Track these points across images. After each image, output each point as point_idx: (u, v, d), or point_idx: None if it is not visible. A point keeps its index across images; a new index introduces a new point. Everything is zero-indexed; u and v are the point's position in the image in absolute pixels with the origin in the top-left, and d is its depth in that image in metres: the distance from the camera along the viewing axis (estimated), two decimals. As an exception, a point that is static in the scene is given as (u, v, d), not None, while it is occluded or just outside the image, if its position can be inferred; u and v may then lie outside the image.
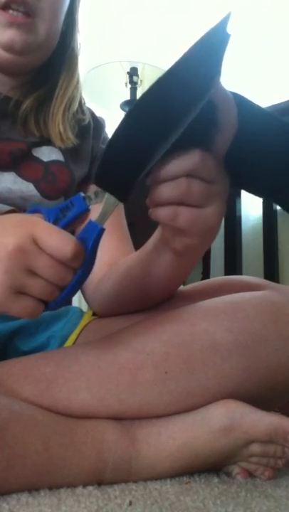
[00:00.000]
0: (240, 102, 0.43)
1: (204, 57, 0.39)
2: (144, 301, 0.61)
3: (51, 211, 0.46)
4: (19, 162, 0.68)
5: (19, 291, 0.42)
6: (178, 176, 0.43)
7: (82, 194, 0.46)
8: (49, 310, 0.45)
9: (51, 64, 0.74)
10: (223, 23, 0.38)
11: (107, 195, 0.45)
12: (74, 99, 0.75)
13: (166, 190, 0.44)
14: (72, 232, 0.45)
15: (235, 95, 0.42)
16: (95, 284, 0.67)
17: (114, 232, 0.70)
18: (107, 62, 1.59)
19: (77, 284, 0.44)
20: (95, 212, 0.46)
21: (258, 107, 0.44)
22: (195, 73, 0.39)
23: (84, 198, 0.46)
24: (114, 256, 0.68)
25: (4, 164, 0.67)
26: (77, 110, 0.75)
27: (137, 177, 0.43)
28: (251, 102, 0.44)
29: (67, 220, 0.46)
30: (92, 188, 0.54)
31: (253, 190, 0.50)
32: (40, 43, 0.68)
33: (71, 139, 0.72)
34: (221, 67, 0.40)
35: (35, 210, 0.48)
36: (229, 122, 0.43)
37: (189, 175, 0.43)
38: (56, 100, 0.73)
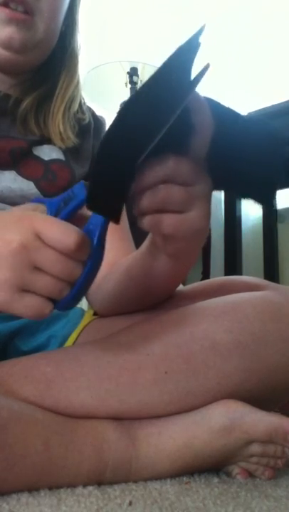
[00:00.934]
0: (215, 105, 0.42)
1: (177, 66, 0.39)
2: (144, 301, 0.61)
3: (53, 202, 0.46)
4: (19, 160, 0.68)
5: (25, 290, 0.41)
6: (155, 183, 0.43)
7: (83, 182, 0.45)
8: (59, 309, 0.43)
9: (51, 63, 0.74)
10: (197, 34, 0.38)
11: None
12: (74, 99, 0.75)
13: (146, 199, 0.44)
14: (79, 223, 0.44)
15: (209, 100, 0.42)
16: (97, 284, 0.67)
17: (115, 232, 0.70)
18: (107, 62, 1.59)
19: (87, 279, 0.43)
20: None
21: (232, 110, 0.45)
22: (169, 82, 0.39)
23: (85, 186, 0.45)
24: (115, 256, 0.68)
25: (4, 163, 0.67)
26: (77, 110, 0.75)
27: (126, 192, 0.43)
28: (224, 106, 0.44)
29: (69, 209, 0.45)
30: None
31: (237, 191, 0.50)
32: (39, 42, 0.68)
33: (71, 139, 0.72)
34: (190, 73, 0.40)
35: (37, 202, 0.48)
36: (204, 123, 0.42)
37: (166, 181, 0.43)
38: (56, 100, 0.72)
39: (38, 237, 0.40)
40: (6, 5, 0.63)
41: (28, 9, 0.64)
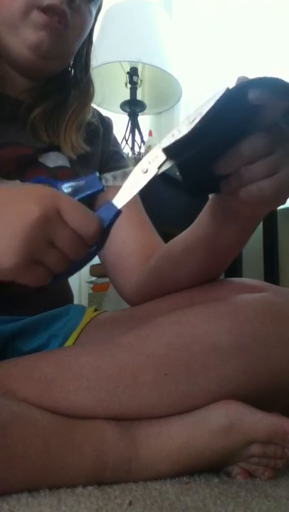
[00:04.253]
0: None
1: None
2: (204, 273, 0.63)
3: (59, 187, 0.47)
4: (24, 168, 0.68)
5: (34, 260, 0.42)
6: (243, 163, 0.45)
7: (97, 174, 0.47)
8: (54, 282, 0.46)
9: (66, 75, 0.76)
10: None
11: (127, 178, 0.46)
12: (87, 113, 0.76)
13: (257, 169, 0.45)
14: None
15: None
16: (134, 271, 0.68)
17: (136, 221, 0.73)
18: (107, 62, 1.59)
19: (86, 260, 0.46)
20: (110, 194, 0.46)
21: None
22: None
23: (100, 178, 0.46)
24: (145, 245, 0.71)
25: (10, 172, 0.66)
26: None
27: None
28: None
29: (80, 197, 0.46)
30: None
31: None
32: (63, 53, 0.70)
33: (82, 146, 0.73)
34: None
35: (43, 181, 0.48)
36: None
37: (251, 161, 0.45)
38: (72, 115, 0.73)
39: (60, 214, 0.42)
40: (45, 12, 0.64)
41: (64, 22, 0.66)
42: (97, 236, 0.43)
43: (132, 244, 0.71)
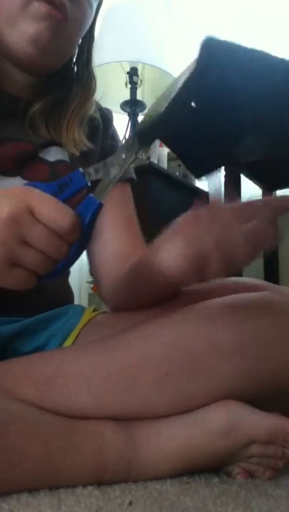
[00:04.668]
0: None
1: None
2: (154, 297, 0.62)
3: (49, 186, 0.45)
4: (24, 164, 0.68)
5: (13, 263, 0.41)
6: None
7: (81, 169, 0.45)
8: (41, 283, 0.44)
9: (65, 71, 0.75)
10: None
11: (107, 169, 0.45)
12: (89, 109, 0.75)
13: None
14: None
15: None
16: (109, 276, 0.68)
17: (121, 223, 0.71)
18: (107, 62, 1.59)
19: (72, 258, 0.44)
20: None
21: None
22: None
23: (83, 174, 0.45)
24: (122, 246, 0.69)
25: (10, 169, 0.66)
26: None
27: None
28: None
29: (66, 195, 0.45)
30: None
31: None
32: (62, 46, 0.69)
33: (84, 143, 0.72)
34: None
35: (32, 186, 0.48)
36: None
37: None
38: (73, 111, 0.72)
39: (31, 212, 0.40)
40: (45, 2, 0.63)
41: (64, 13, 0.64)
42: (74, 231, 0.41)
43: (112, 246, 0.70)
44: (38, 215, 0.40)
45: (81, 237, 0.43)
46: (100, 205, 0.44)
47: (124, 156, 0.43)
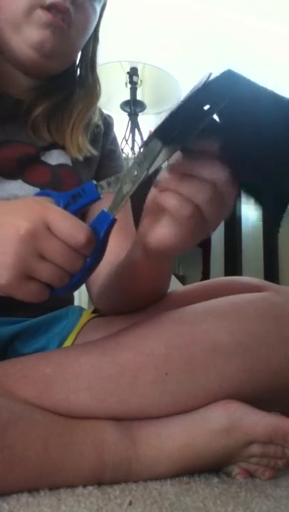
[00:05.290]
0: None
1: None
2: (132, 301, 0.62)
3: (62, 196, 0.47)
4: (26, 167, 0.68)
5: (29, 276, 0.42)
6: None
7: (94, 182, 0.46)
8: (56, 295, 0.45)
9: (70, 74, 0.75)
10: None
11: (120, 185, 0.45)
12: (94, 114, 0.76)
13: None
14: (84, 220, 0.45)
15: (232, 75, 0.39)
16: (98, 281, 0.67)
17: (120, 231, 0.71)
18: (107, 62, 1.59)
19: (87, 271, 0.45)
20: (106, 201, 0.46)
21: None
22: None
23: (96, 186, 0.46)
24: (118, 256, 0.68)
25: (11, 171, 0.66)
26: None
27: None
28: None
29: (78, 206, 0.46)
30: None
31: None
32: (66, 52, 0.69)
33: (88, 149, 0.73)
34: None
35: (45, 194, 0.48)
36: None
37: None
38: (78, 115, 0.73)
39: (48, 226, 0.42)
40: (48, 10, 0.63)
41: (67, 20, 0.65)
42: (89, 245, 0.43)
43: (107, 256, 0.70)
44: (54, 230, 0.42)
45: (95, 250, 0.44)
46: (114, 221, 0.45)
47: (136, 173, 0.44)
